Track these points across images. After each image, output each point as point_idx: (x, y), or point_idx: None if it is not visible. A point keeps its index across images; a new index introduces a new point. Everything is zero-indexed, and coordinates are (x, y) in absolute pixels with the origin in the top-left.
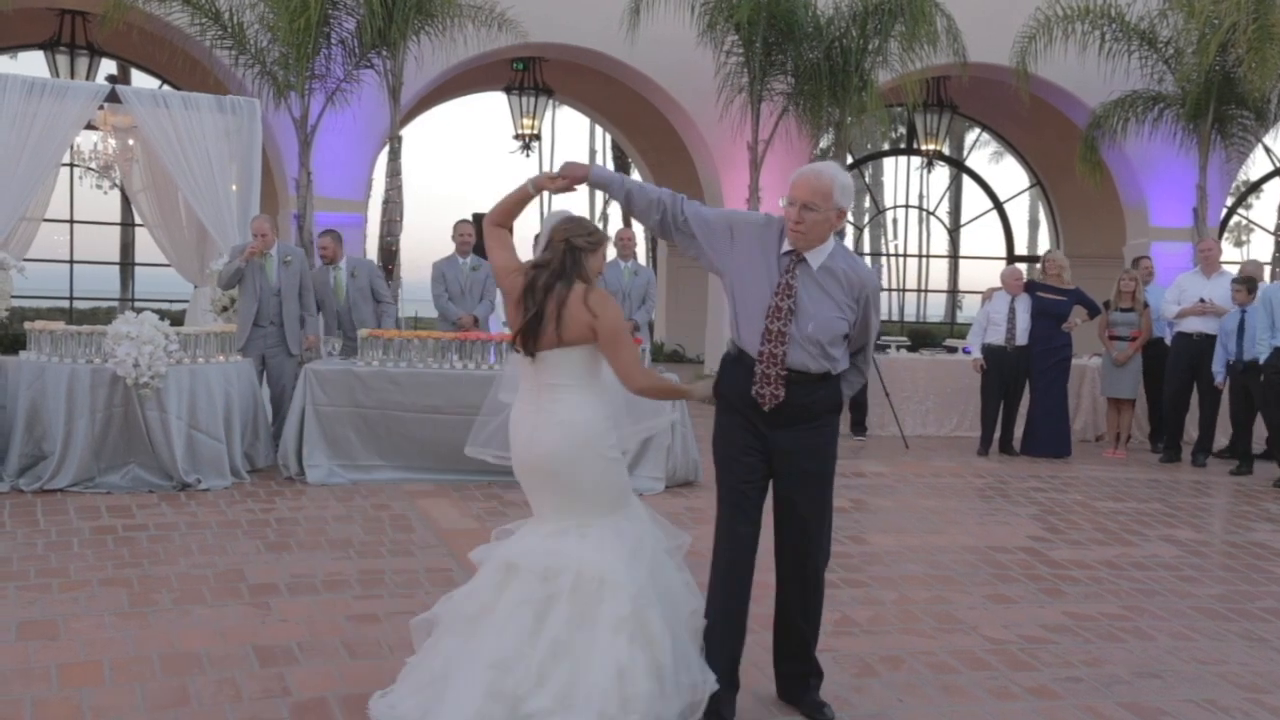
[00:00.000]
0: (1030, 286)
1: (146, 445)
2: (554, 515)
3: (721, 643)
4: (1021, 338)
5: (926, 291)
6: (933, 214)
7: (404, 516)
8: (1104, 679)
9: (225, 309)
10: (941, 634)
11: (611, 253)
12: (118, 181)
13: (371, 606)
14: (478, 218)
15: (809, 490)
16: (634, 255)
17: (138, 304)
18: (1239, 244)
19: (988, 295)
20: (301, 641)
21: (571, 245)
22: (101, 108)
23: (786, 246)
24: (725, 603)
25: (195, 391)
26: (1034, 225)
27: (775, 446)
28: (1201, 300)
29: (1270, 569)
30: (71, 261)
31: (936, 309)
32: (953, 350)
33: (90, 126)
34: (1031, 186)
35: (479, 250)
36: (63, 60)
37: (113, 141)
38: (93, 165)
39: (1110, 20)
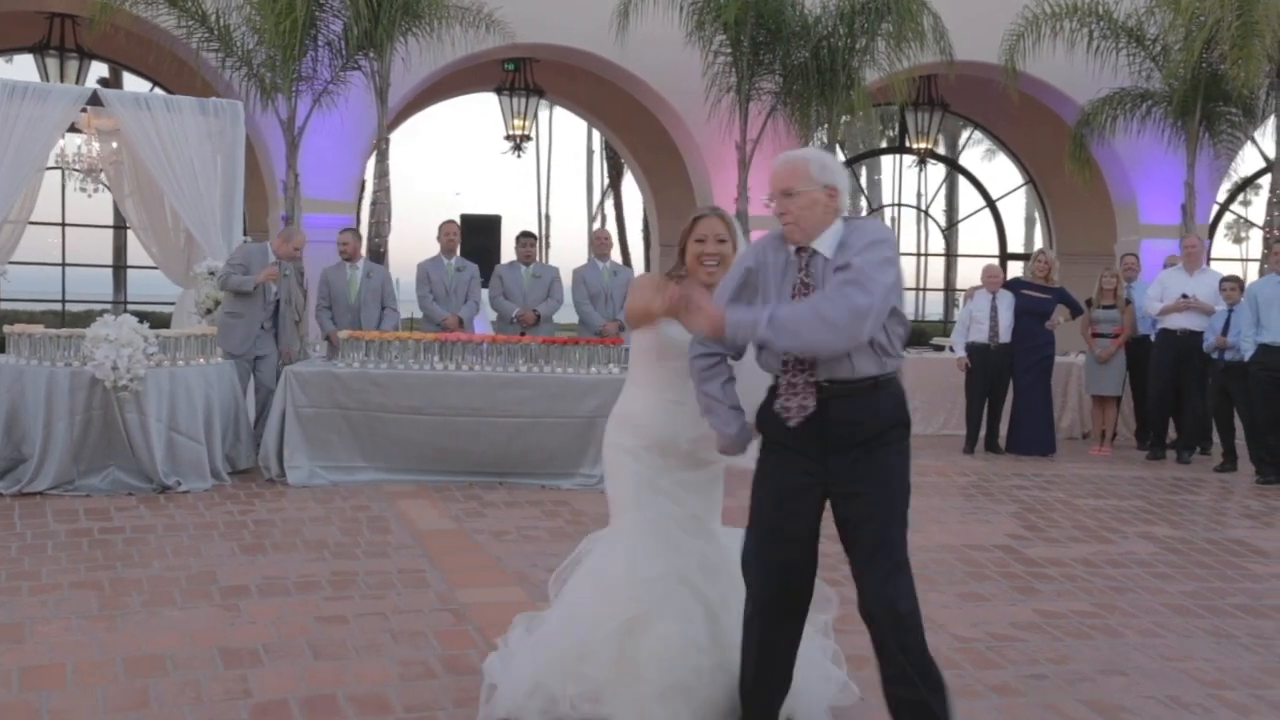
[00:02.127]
0: (1015, 284)
1: (126, 448)
2: None
3: None
4: (1005, 335)
5: (925, 290)
6: (925, 212)
7: (382, 518)
8: (1068, 676)
9: (209, 311)
10: None
11: (569, 253)
12: (103, 183)
13: (341, 608)
14: (465, 219)
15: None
16: (610, 255)
17: (130, 306)
18: (1237, 240)
19: (969, 294)
20: (268, 643)
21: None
22: (85, 110)
23: (794, 246)
24: None
25: (175, 394)
26: (1030, 223)
27: (833, 476)
28: (1184, 296)
29: (1245, 566)
30: (64, 265)
31: (936, 307)
32: (940, 349)
33: (75, 130)
34: (1024, 184)
35: (465, 252)
36: (52, 63)
37: (97, 144)
38: (77, 168)
39: (1098, 18)
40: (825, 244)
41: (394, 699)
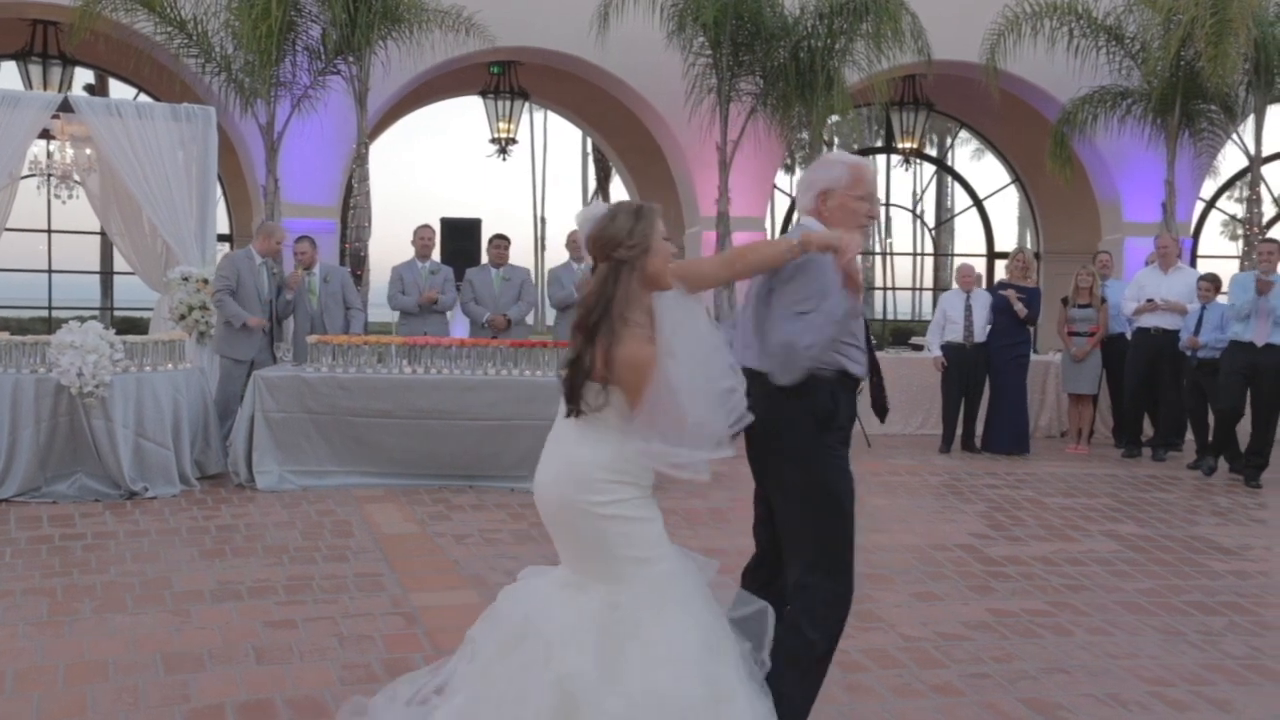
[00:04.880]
0: (999, 286)
1: (93, 454)
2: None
3: None
4: (980, 335)
5: (921, 290)
6: (911, 212)
7: (346, 522)
8: (1011, 675)
9: (183, 317)
10: (859, 632)
11: (565, 255)
12: (76, 182)
13: (292, 612)
14: (446, 222)
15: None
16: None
17: (117, 312)
18: (1234, 238)
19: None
20: (213, 648)
21: (615, 260)
22: (58, 117)
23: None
24: None
25: (142, 400)
26: (1023, 222)
27: None
28: (1150, 300)
29: (1204, 563)
30: (50, 271)
31: (927, 306)
32: (919, 348)
33: (50, 137)
34: (1011, 183)
35: (446, 255)
36: (35, 70)
37: (71, 150)
38: (51, 174)
39: (1077, 16)
40: None
41: (331, 703)
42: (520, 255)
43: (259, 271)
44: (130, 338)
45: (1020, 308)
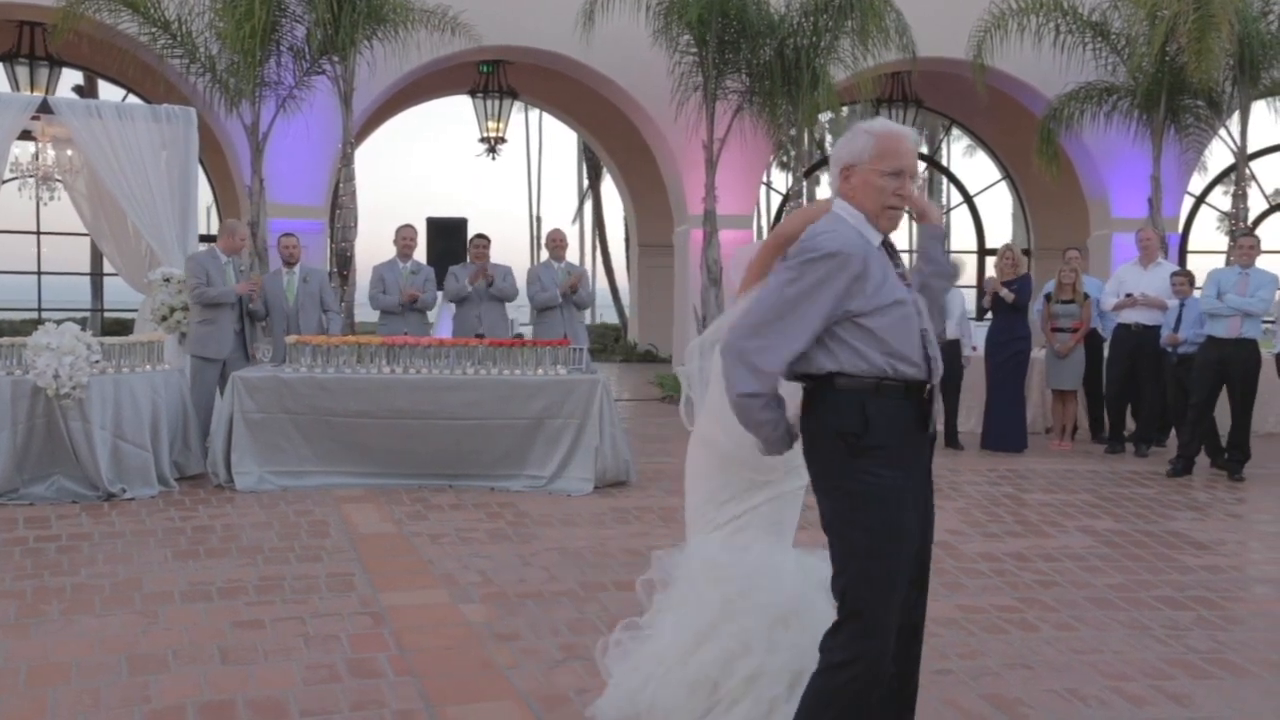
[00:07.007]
0: (987, 283)
1: (70, 456)
2: None
3: None
4: (953, 331)
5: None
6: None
7: (324, 522)
8: (973, 671)
9: (165, 319)
10: None
11: (546, 254)
12: (57, 180)
13: (261, 612)
14: (432, 222)
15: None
16: (565, 255)
17: (107, 314)
18: (1228, 233)
19: None
20: (178, 649)
21: None
22: (38, 118)
23: (876, 237)
24: None
25: (120, 401)
26: (1015, 218)
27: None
28: (1129, 295)
29: (1177, 558)
30: (39, 273)
31: None
32: None
33: (31, 138)
34: (1001, 179)
35: (432, 255)
36: (22, 71)
37: (52, 152)
38: (32, 175)
39: (1063, 13)
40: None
41: (292, 703)
42: (516, 254)
43: (225, 270)
44: (108, 339)
45: (1007, 294)
